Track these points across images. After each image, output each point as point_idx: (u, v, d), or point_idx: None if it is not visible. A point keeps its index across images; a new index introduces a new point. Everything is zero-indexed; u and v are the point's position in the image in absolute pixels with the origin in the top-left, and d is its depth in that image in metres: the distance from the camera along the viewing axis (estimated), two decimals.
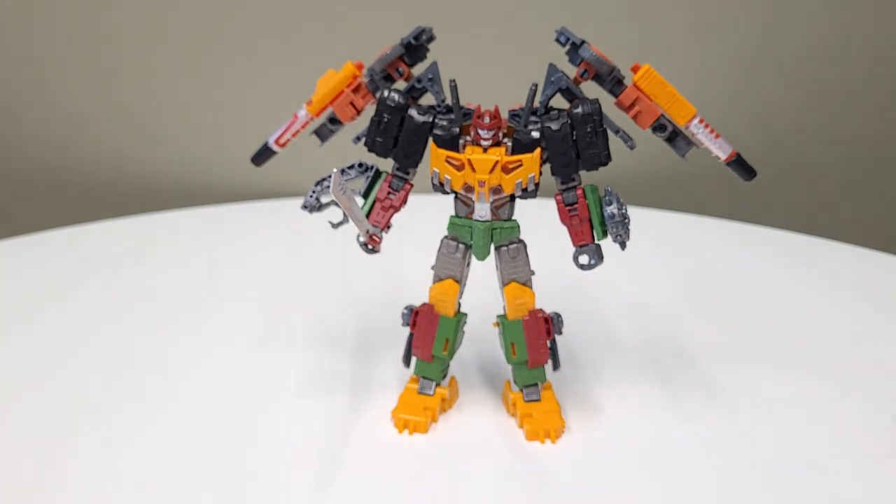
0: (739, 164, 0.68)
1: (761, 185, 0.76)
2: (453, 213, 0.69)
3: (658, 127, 0.67)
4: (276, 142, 0.72)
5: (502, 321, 0.71)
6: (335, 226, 0.70)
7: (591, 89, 0.67)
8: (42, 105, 1.54)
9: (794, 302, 1.02)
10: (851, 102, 1.57)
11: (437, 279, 0.71)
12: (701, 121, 0.66)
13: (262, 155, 0.73)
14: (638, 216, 0.70)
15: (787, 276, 1.12)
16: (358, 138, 0.69)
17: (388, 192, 0.69)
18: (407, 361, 0.74)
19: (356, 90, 0.69)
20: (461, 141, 0.66)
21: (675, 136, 0.68)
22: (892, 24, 1.51)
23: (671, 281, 1.09)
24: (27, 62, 1.50)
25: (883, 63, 1.53)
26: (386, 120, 0.67)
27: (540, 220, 0.74)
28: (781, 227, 1.35)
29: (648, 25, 1.50)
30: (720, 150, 0.67)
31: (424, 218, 0.78)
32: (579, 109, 0.65)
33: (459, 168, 0.66)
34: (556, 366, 0.73)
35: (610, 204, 0.66)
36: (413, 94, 0.69)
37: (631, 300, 1.02)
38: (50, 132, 1.55)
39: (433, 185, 0.68)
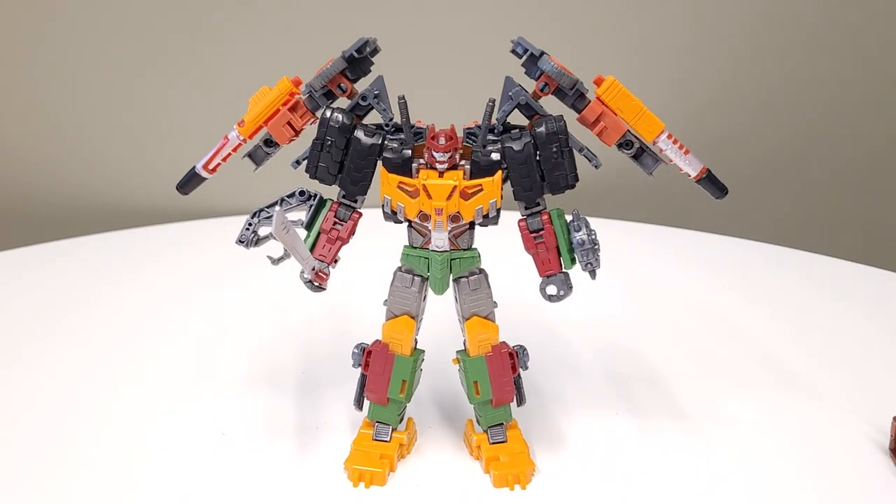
0: (711, 182, 0.64)
1: (736, 196, 0.73)
2: (407, 242, 0.63)
3: (624, 143, 0.63)
4: (205, 167, 0.65)
5: (463, 358, 0.66)
6: (275, 261, 0.64)
7: (551, 104, 0.62)
8: None
9: (760, 317, 1.00)
10: (820, 112, 1.56)
11: (391, 315, 0.65)
12: (669, 136, 0.62)
13: (189, 182, 0.66)
14: (601, 228, 0.65)
15: (760, 291, 1.09)
16: (297, 162, 0.63)
17: (335, 223, 0.62)
18: (359, 405, 0.67)
19: (293, 109, 0.62)
20: (414, 164, 0.60)
21: (641, 153, 0.63)
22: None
23: (634, 298, 1.05)
24: None
25: (851, 74, 1.53)
26: (329, 143, 0.60)
27: (500, 240, 0.69)
28: (744, 236, 1.33)
29: (613, 33, 1.45)
30: (690, 167, 0.63)
31: (378, 237, 0.71)
32: (543, 128, 0.60)
33: (414, 195, 0.60)
34: (521, 401, 0.67)
35: (579, 230, 0.61)
36: (357, 112, 0.62)
37: (592, 320, 0.97)
38: None
39: (384, 213, 0.62)
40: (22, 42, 1.39)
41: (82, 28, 1.39)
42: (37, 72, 1.42)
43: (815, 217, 1.61)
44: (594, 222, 0.63)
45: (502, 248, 0.70)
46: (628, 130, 0.62)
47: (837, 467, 0.68)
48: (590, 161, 0.62)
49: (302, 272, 0.61)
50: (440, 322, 0.73)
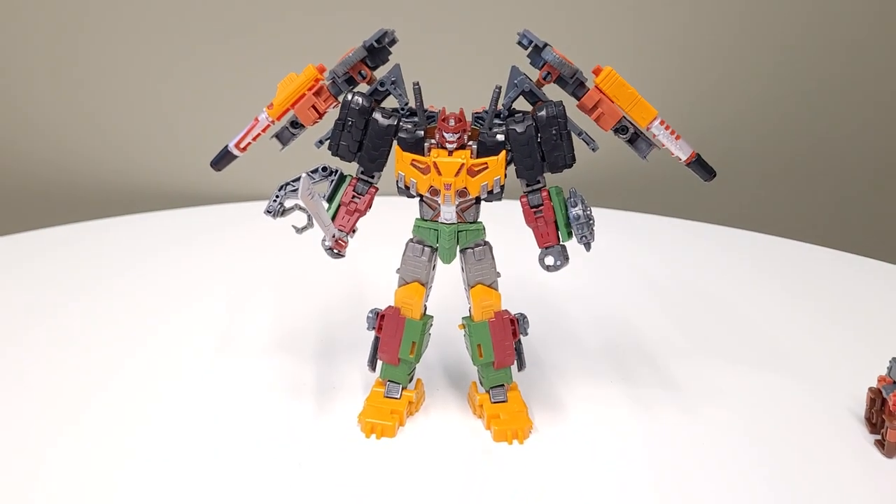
0: (700, 165, 0.69)
1: (721, 186, 0.78)
2: (418, 216, 0.69)
3: (620, 129, 0.68)
4: (237, 146, 0.71)
5: (468, 323, 0.72)
6: (299, 231, 0.70)
7: (553, 91, 0.68)
8: (9, 109, 1.49)
9: (752, 299, 1.05)
10: (818, 102, 1.60)
11: (403, 282, 0.71)
12: (662, 122, 0.67)
13: (222, 159, 0.72)
14: (601, 216, 0.71)
15: (747, 275, 1.14)
16: (321, 142, 0.69)
17: (353, 196, 0.68)
18: (373, 365, 0.73)
19: (318, 93, 0.68)
20: (426, 144, 0.66)
21: (636, 138, 0.69)
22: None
23: (632, 280, 1.11)
24: None
25: (852, 62, 1.58)
26: (350, 123, 0.66)
27: (505, 222, 0.75)
28: (742, 226, 1.38)
29: (612, 26, 1.51)
30: (680, 152, 0.68)
31: (389, 220, 0.77)
32: (543, 112, 0.65)
33: (425, 171, 0.65)
34: (521, 366, 0.73)
35: (575, 205, 0.67)
36: (376, 97, 0.68)
37: (593, 299, 1.03)
38: (18, 136, 1.50)
39: (398, 188, 0.68)
40: (59, 25, 1.44)
41: (119, 11, 1.45)
42: (72, 54, 1.46)
43: (812, 208, 1.66)
44: (599, 212, 0.68)
45: (512, 236, 0.76)
46: (624, 116, 0.67)
47: (817, 434, 0.73)
48: (588, 144, 0.68)
49: (323, 240, 0.67)
50: (451, 298, 0.79)
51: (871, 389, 0.72)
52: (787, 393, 0.80)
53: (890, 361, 0.71)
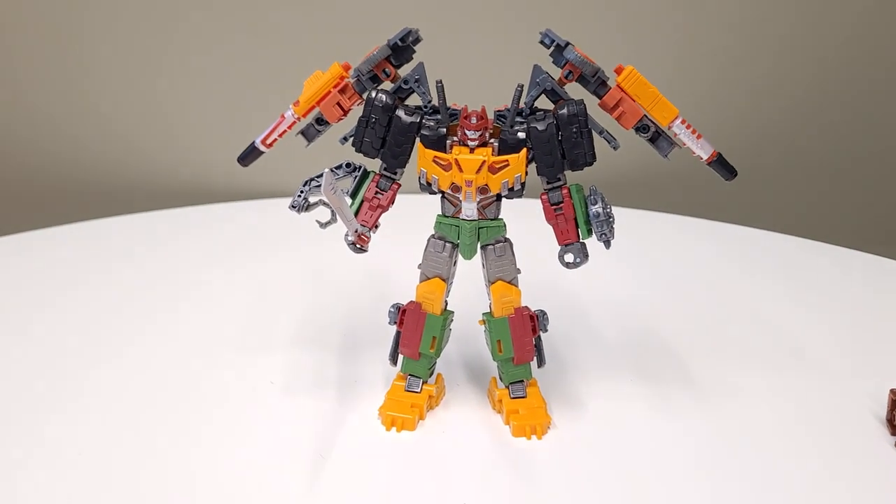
0: (721, 164, 0.69)
1: (742, 185, 0.78)
2: (440, 212, 0.70)
3: (641, 127, 0.68)
4: (263, 142, 0.72)
5: (488, 319, 0.72)
6: (323, 225, 0.71)
7: (575, 90, 0.69)
8: (21, 106, 1.52)
9: (774, 299, 1.04)
10: (840, 102, 1.59)
11: (424, 278, 0.72)
12: (683, 121, 0.67)
13: (249, 155, 0.73)
14: (621, 216, 0.72)
15: (770, 275, 1.14)
16: (345, 139, 0.70)
17: (376, 192, 0.70)
18: (394, 359, 0.74)
19: (343, 91, 0.69)
20: (448, 141, 0.67)
21: (657, 137, 0.69)
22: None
23: (653, 279, 1.11)
24: (5, 62, 1.48)
25: (869, 62, 1.56)
26: (374, 120, 0.68)
27: (525, 220, 0.75)
28: (763, 227, 1.37)
29: (633, 26, 1.51)
30: (702, 151, 0.68)
31: (411, 217, 0.78)
32: (565, 110, 0.66)
33: (447, 168, 0.66)
34: (541, 362, 0.74)
35: (595, 203, 0.67)
36: (400, 94, 0.69)
37: (613, 298, 1.03)
38: (28, 132, 1.54)
39: (420, 184, 0.69)
40: (70, 20, 1.47)
41: (133, 5, 1.47)
42: (86, 51, 1.49)
43: (835, 209, 1.65)
44: (619, 210, 0.68)
45: (532, 233, 0.76)
46: (645, 115, 0.67)
47: (837, 435, 0.73)
48: (609, 143, 0.68)
49: (346, 234, 0.68)
50: (471, 294, 0.79)
51: (892, 391, 0.72)
52: (808, 394, 0.80)
53: None
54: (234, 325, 0.93)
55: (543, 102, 0.69)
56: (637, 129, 0.68)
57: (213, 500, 0.63)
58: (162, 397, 0.77)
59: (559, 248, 0.69)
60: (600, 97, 0.68)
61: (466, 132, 0.65)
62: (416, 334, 0.72)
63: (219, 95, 1.54)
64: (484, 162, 0.66)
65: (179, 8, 1.47)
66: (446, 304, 0.73)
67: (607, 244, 0.68)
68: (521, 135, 0.66)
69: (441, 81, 0.66)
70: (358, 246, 0.68)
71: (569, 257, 0.69)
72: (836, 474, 0.67)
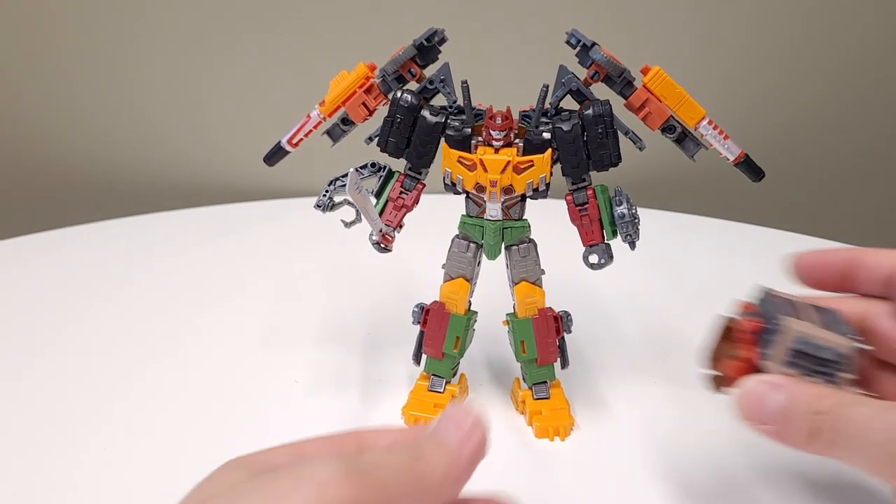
0: (748, 166, 0.68)
1: (769, 187, 0.77)
2: (465, 212, 0.70)
3: (667, 128, 0.68)
4: (289, 142, 0.73)
5: (512, 319, 0.72)
6: (348, 225, 0.71)
7: (601, 91, 0.68)
8: (47, 104, 1.55)
9: None
10: (864, 103, 1.57)
11: (448, 278, 0.72)
12: (710, 122, 0.67)
13: (275, 155, 0.74)
14: (646, 217, 0.71)
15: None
16: (370, 139, 0.70)
17: (401, 192, 0.70)
18: (417, 359, 0.75)
19: (368, 91, 0.70)
20: (473, 141, 0.67)
21: (683, 138, 0.69)
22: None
23: (677, 281, 1.10)
24: (31, 61, 1.51)
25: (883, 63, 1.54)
26: (399, 120, 0.68)
27: (550, 221, 0.75)
28: (792, 229, 1.35)
29: (658, 27, 1.51)
30: (728, 152, 0.68)
31: (436, 218, 0.78)
32: (590, 111, 0.66)
33: (471, 168, 0.66)
34: (564, 364, 0.73)
35: (620, 204, 0.67)
36: (425, 94, 0.70)
37: (637, 299, 1.02)
38: (56, 131, 1.56)
39: (445, 184, 0.69)
40: (103, 18, 1.48)
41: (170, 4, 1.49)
42: (126, 52, 1.51)
43: (869, 210, 1.62)
44: (644, 211, 0.68)
45: (557, 234, 0.76)
46: (671, 116, 0.67)
47: None
48: (635, 143, 0.68)
49: (370, 234, 0.68)
50: (495, 295, 0.79)
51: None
52: None
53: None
54: (259, 323, 0.94)
55: (569, 103, 0.69)
56: (663, 130, 0.68)
57: None
58: (186, 396, 0.78)
59: (584, 249, 0.68)
60: (626, 97, 0.67)
61: (491, 132, 0.65)
62: (440, 334, 0.72)
63: (245, 96, 1.55)
64: (509, 162, 0.66)
65: (213, 8, 1.48)
66: (470, 304, 0.73)
67: (632, 245, 0.67)
68: (547, 135, 0.66)
69: (466, 81, 0.66)
70: (382, 245, 0.69)
71: (593, 258, 0.68)
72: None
